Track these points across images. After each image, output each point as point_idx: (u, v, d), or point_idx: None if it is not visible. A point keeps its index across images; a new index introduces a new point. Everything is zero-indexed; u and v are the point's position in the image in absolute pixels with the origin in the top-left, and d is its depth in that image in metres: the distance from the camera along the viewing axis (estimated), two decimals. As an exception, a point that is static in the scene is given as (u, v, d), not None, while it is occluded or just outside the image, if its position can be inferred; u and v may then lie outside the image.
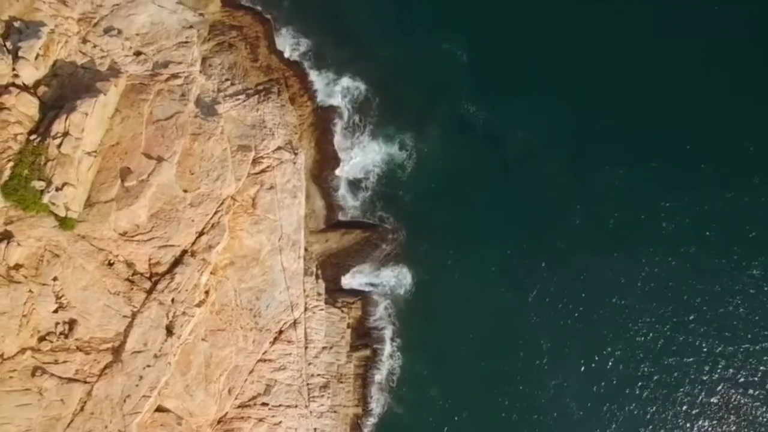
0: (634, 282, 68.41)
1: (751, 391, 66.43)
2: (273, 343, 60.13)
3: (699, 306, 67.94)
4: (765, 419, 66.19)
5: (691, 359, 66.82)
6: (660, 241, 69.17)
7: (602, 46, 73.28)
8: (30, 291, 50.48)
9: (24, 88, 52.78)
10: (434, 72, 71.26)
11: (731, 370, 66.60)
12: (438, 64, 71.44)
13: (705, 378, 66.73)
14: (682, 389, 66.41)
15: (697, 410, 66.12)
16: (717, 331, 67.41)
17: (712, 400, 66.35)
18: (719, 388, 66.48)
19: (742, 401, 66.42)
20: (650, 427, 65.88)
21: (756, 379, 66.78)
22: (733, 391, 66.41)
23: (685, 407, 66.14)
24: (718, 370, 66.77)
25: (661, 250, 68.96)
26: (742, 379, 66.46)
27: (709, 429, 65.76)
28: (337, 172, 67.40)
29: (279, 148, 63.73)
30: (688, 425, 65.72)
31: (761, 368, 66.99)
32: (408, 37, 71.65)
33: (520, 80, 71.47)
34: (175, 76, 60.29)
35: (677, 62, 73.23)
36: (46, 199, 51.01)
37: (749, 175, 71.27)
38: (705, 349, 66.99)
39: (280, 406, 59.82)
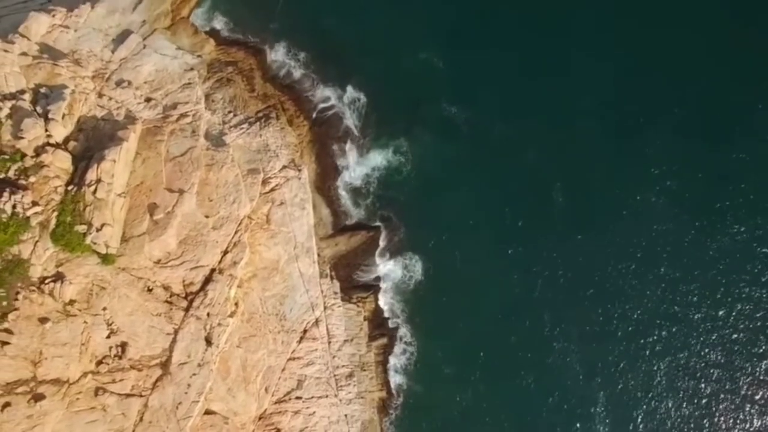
0: (628, 252, 72.64)
1: (749, 349, 70.81)
2: (299, 342, 64.65)
3: (697, 272, 72.31)
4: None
5: (689, 326, 71.25)
6: (649, 212, 73.68)
7: (563, 38, 78.03)
8: (85, 322, 54.95)
9: (57, 145, 56.78)
10: (415, 80, 74.79)
11: (733, 334, 70.84)
12: (418, 73, 75.05)
13: (706, 344, 71.09)
14: (682, 354, 70.85)
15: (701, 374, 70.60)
16: (719, 297, 71.69)
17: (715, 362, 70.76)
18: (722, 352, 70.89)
19: (741, 362, 70.64)
20: (651, 392, 70.38)
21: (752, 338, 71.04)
22: (731, 351, 70.72)
23: (686, 372, 70.52)
24: (723, 336, 71.10)
25: (651, 221, 73.37)
26: (744, 339, 70.64)
27: (712, 393, 70.11)
28: (339, 181, 71.44)
29: (284, 167, 68.01)
30: (690, 390, 70.04)
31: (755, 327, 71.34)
32: (388, 51, 74.99)
33: (492, 79, 75.53)
34: (183, 115, 64.38)
35: (638, 50, 78.00)
36: (88, 240, 55.02)
37: (734, 133, 76.05)
38: (702, 315, 71.33)
39: (312, 397, 64.43)
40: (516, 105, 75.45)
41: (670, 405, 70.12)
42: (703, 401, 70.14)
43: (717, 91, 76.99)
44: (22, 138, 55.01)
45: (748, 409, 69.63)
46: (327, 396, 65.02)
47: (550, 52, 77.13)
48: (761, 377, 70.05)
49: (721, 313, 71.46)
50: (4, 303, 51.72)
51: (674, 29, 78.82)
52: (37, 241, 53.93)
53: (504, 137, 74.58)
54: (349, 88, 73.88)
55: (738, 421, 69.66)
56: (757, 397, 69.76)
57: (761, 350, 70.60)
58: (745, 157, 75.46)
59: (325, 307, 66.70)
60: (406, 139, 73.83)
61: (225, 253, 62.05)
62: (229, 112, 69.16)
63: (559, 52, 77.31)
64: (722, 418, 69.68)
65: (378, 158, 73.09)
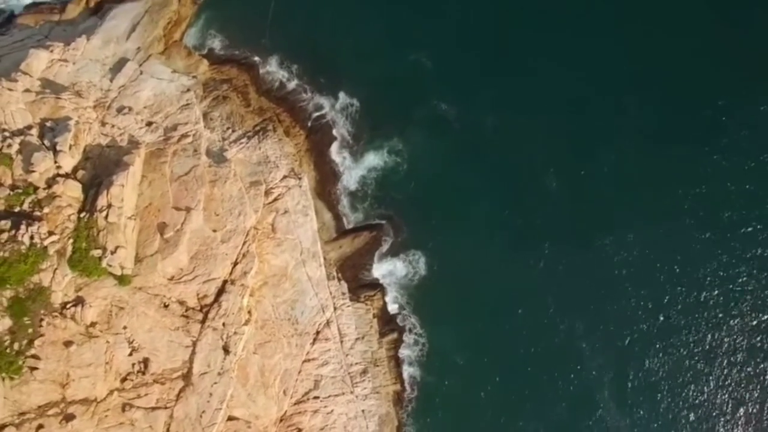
0: (625, 236, 74.75)
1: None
2: (313, 343, 66.87)
3: (696, 255, 74.65)
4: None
5: (692, 307, 73.67)
6: (642, 193, 76.22)
7: (547, 30, 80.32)
8: (107, 342, 57.14)
9: (66, 175, 58.84)
10: (406, 82, 76.88)
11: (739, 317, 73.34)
12: (407, 74, 77.13)
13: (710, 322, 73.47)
14: (684, 335, 73.10)
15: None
16: (719, 282, 74.04)
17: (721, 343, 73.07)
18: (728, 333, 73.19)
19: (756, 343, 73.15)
20: (651, 360, 72.68)
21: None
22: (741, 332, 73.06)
23: (688, 352, 72.89)
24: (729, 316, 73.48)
25: (645, 202, 75.85)
26: (755, 323, 73.11)
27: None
28: (338, 186, 73.49)
29: (285, 176, 70.14)
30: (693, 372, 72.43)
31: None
32: (377, 55, 77.02)
33: (479, 74, 77.90)
34: (184, 135, 66.40)
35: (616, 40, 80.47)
36: (104, 263, 56.95)
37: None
38: (703, 299, 73.68)
39: (329, 396, 66.70)
40: (505, 98, 77.46)
41: (675, 386, 72.67)
42: (713, 385, 72.71)
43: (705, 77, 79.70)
44: (33, 171, 57.29)
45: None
46: (343, 393, 67.22)
47: (534, 45, 79.47)
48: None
49: (725, 297, 74.07)
50: (30, 330, 54.04)
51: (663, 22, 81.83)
52: (55, 269, 56.02)
53: (495, 130, 76.71)
54: (342, 95, 75.66)
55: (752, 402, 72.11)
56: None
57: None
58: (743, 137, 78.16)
59: (334, 308, 68.85)
60: (400, 139, 75.71)
61: (235, 264, 64.15)
62: (228, 128, 71.13)
63: (543, 44, 79.70)
64: (734, 403, 72.21)
65: (374, 160, 74.98)
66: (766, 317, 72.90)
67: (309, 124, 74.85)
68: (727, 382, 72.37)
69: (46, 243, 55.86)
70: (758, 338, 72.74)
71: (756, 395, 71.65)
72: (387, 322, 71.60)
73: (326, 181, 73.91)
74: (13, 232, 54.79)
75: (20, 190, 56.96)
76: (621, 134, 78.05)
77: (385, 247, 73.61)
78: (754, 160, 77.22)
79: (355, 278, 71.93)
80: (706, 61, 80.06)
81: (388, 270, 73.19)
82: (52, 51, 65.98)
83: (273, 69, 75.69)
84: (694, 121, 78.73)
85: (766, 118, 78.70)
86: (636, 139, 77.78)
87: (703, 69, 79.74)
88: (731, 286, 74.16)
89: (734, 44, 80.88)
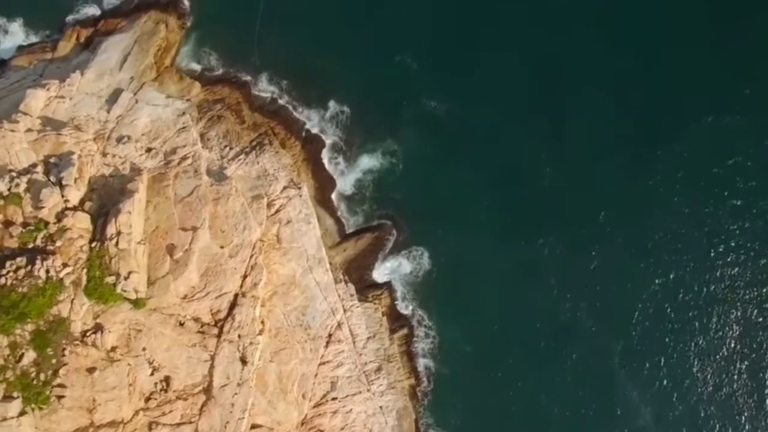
0: (621, 219, 77.28)
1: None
2: (326, 346, 68.86)
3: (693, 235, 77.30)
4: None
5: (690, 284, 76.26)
6: (627, 174, 78.40)
7: (527, 23, 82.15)
8: (128, 364, 58.92)
9: (75, 208, 60.21)
10: (393, 83, 78.35)
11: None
12: (394, 76, 78.61)
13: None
14: (686, 315, 75.82)
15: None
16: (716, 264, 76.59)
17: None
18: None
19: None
20: (657, 331, 75.22)
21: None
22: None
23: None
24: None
25: (630, 182, 78.19)
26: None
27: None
28: (336, 191, 75.40)
29: (285, 187, 71.84)
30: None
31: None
32: (363, 61, 78.43)
33: (465, 70, 79.54)
34: (184, 158, 67.74)
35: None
36: (118, 289, 58.50)
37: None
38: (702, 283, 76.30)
39: (347, 396, 68.79)
40: (491, 90, 79.11)
41: (682, 359, 75.20)
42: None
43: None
44: (43, 207, 58.95)
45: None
46: (360, 392, 69.40)
47: (517, 38, 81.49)
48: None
49: (728, 276, 76.65)
50: (54, 360, 56.07)
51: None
52: (73, 299, 57.83)
53: (485, 122, 78.36)
54: (332, 103, 77.08)
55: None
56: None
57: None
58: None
59: (344, 310, 70.84)
60: (393, 140, 77.33)
61: (244, 277, 65.94)
62: (225, 146, 72.79)
63: (526, 36, 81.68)
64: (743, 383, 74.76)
65: (369, 162, 76.66)
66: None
67: (303, 134, 76.11)
68: (732, 357, 75.22)
69: (61, 275, 57.55)
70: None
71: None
72: (396, 319, 73.60)
73: (325, 187, 75.54)
74: (29, 267, 56.46)
75: (32, 227, 58.63)
76: (611, 119, 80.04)
77: (388, 247, 75.30)
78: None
79: (362, 279, 73.84)
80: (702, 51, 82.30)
81: (393, 268, 75.01)
82: (48, 89, 67.44)
83: (263, 85, 76.85)
84: (687, 106, 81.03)
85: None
86: (629, 123, 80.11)
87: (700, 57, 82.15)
88: (734, 266, 76.95)
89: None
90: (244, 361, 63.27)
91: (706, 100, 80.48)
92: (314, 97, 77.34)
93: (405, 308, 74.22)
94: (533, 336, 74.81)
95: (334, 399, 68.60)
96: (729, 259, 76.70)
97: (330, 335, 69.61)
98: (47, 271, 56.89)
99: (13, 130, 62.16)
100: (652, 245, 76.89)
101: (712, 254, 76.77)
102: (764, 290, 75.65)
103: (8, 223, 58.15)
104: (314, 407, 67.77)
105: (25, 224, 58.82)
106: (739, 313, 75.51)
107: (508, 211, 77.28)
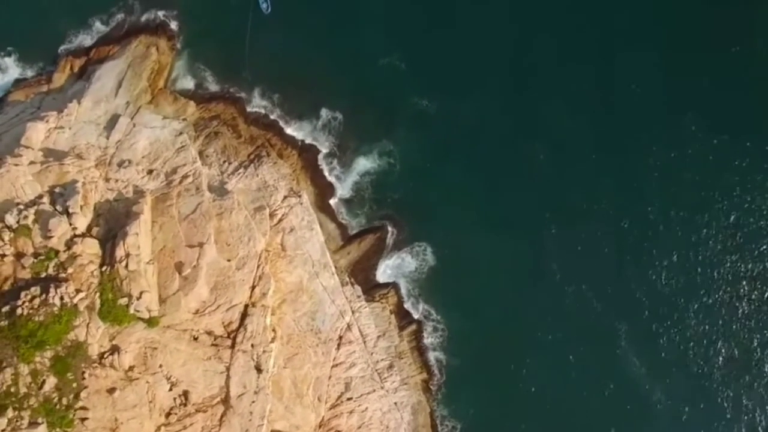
0: (615, 200, 79.21)
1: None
2: (338, 348, 70.51)
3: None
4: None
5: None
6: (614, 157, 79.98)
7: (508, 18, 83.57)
8: (147, 382, 60.24)
9: (83, 234, 61.51)
10: (383, 86, 79.68)
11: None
12: (383, 78, 79.86)
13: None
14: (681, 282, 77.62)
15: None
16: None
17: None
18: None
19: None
20: (661, 307, 77.02)
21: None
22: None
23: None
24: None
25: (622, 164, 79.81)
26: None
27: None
28: (336, 196, 76.99)
29: (285, 197, 73.25)
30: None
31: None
32: (352, 67, 79.50)
33: (451, 66, 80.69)
34: (185, 176, 68.78)
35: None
36: (131, 310, 59.72)
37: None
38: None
39: (361, 395, 70.46)
40: (478, 83, 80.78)
41: (686, 333, 76.86)
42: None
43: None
44: (52, 236, 60.25)
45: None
46: (374, 390, 71.13)
47: (502, 33, 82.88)
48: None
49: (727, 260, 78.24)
50: (74, 384, 57.50)
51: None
52: (88, 323, 59.15)
53: (477, 116, 79.90)
54: (324, 111, 78.41)
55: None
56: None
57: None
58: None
59: (352, 312, 72.52)
60: (388, 140, 78.75)
61: (253, 288, 67.39)
62: (224, 161, 74.11)
63: (510, 31, 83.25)
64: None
65: (366, 164, 78.16)
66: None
67: (299, 143, 77.85)
68: (738, 330, 77.07)
69: (75, 301, 58.85)
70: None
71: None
72: (404, 316, 75.22)
73: (325, 193, 77.05)
74: (43, 296, 57.71)
75: (43, 257, 60.00)
76: (601, 105, 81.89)
77: (391, 246, 76.95)
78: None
79: (368, 280, 75.45)
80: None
81: (397, 266, 76.57)
82: (47, 121, 68.72)
83: (257, 99, 78.37)
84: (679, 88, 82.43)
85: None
86: (619, 107, 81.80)
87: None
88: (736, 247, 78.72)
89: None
90: (258, 369, 64.71)
91: (704, 84, 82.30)
92: (306, 106, 78.58)
93: (412, 305, 75.72)
94: (540, 322, 76.28)
95: (349, 399, 70.23)
96: (731, 241, 78.58)
97: (340, 337, 71.22)
98: (61, 298, 58.11)
99: (16, 164, 63.31)
100: (650, 226, 78.63)
101: (711, 233, 78.47)
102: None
103: (20, 255, 59.49)
104: (330, 409, 69.39)
105: (36, 254, 60.03)
106: (742, 289, 77.60)
107: (506, 201, 78.59)
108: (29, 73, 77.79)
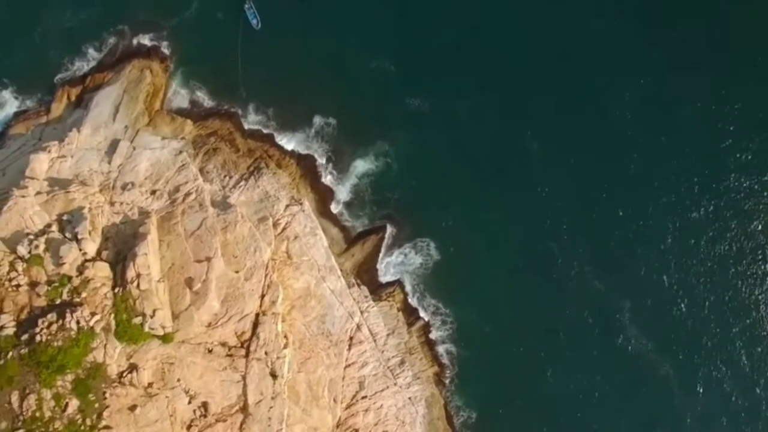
0: (607, 181, 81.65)
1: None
2: (349, 349, 72.25)
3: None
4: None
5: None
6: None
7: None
8: (166, 397, 61.54)
9: (93, 259, 62.62)
10: (374, 89, 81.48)
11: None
12: (374, 81, 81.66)
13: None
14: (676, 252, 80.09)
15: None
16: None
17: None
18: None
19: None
20: (664, 282, 79.23)
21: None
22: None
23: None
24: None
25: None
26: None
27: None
28: (336, 200, 78.67)
29: (287, 205, 74.82)
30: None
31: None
32: (342, 74, 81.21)
33: (439, 65, 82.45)
34: (187, 194, 70.32)
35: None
36: (146, 328, 60.97)
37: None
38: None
39: (375, 393, 72.27)
40: (467, 80, 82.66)
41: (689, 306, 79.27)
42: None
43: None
44: (63, 263, 61.60)
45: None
46: (388, 387, 73.05)
47: (485, 30, 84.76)
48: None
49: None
50: (97, 405, 58.78)
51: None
52: (105, 344, 60.49)
53: (468, 111, 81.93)
54: (318, 118, 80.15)
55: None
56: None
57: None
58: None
59: (361, 312, 74.37)
60: (384, 141, 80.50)
61: (262, 296, 68.81)
62: (225, 176, 75.72)
63: (493, 26, 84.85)
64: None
65: (363, 166, 79.95)
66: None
67: (296, 152, 79.38)
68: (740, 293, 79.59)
69: (91, 323, 60.17)
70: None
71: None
72: (412, 312, 77.16)
73: (325, 199, 78.81)
74: (60, 321, 59.05)
75: (56, 283, 61.33)
76: (589, 89, 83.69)
77: (394, 244, 78.88)
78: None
79: (373, 280, 77.38)
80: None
81: (401, 263, 78.44)
82: (49, 151, 69.96)
83: (252, 113, 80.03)
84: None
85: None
86: (608, 98, 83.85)
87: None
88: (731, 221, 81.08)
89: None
90: (274, 375, 66.21)
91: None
92: (301, 115, 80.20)
93: (418, 300, 77.57)
94: (545, 306, 78.47)
95: (364, 398, 72.05)
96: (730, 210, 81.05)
97: (351, 338, 73.00)
98: (78, 322, 59.44)
99: (23, 196, 64.44)
100: (645, 205, 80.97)
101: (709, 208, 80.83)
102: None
103: (34, 284, 60.77)
104: (346, 408, 71.22)
105: (49, 282, 61.31)
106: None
107: (504, 191, 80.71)
108: (28, 104, 78.78)
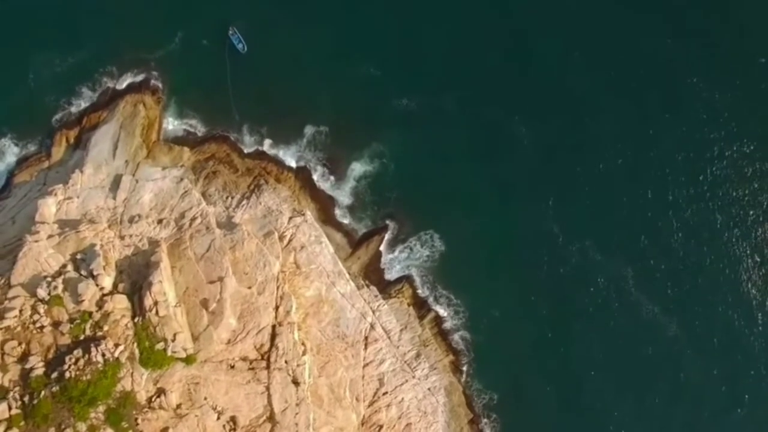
0: (598, 159, 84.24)
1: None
2: (365, 348, 74.58)
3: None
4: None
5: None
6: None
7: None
8: (196, 415, 63.62)
9: (110, 292, 64.34)
10: (363, 93, 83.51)
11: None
12: (361, 86, 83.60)
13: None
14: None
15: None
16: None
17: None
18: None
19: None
20: (664, 246, 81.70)
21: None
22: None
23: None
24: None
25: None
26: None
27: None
28: (337, 206, 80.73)
29: (290, 218, 76.65)
30: None
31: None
32: (329, 83, 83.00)
33: (423, 64, 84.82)
34: (193, 219, 72.06)
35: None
36: (169, 352, 62.74)
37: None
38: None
39: (395, 388, 74.51)
40: (449, 74, 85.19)
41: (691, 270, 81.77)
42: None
43: None
44: (83, 300, 63.56)
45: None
46: (407, 381, 75.28)
47: (465, 28, 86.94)
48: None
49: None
50: (131, 431, 61.77)
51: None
52: (132, 373, 62.47)
53: (453, 102, 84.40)
54: (310, 128, 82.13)
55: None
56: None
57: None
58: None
59: (373, 312, 76.57)
60: (377, 142, 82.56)
61: (276, 308, 71.04)
62: (227, 197, 77.71)
63: (474, 25, 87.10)
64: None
65: (360, 169, 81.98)
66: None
67: (293, 165, 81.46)
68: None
69: (116, 354, 62.11)
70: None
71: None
72: (422, 305, 79.58)
73: (326, 206, 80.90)
74: (86, 356, 61.03)
75: (78, 320, 63.37)
76: (574, 70, 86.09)
77: (398, 241, 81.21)
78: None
79: (382, 279, 79.70)
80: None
81: (407, 257, 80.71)
82: (55, 194, 71.70)
83: (246, 133, 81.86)
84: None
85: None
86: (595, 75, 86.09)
87: None
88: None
89: None
90: (296, 382, 68.45)
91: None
92: (294, 128, 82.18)
93: (427, 293, 79.92)
94: (552, 283, 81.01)
95: (385, 394, 74.32)
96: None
97: (366, 338, 75.24)
98: (103, 355, 61.34)
99: (36, 241, 66.21)
100: (638, 174, 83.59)
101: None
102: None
103: (57, 323, 62.76)
104: (369, 406, 73.50)
105: (71, 320, 63.29)
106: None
107: (498, 176, 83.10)
108: (30, 148, 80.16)
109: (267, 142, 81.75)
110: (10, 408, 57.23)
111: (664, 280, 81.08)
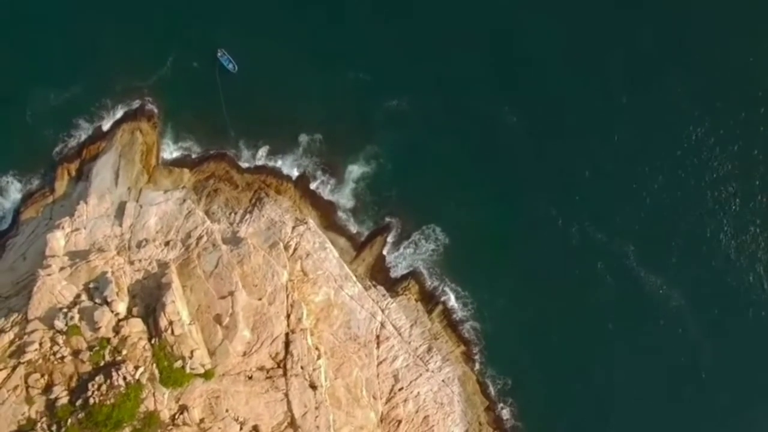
0: (590, 142, 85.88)
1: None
2: (378, 347, 76.35)
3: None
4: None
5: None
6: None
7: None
8: (219, 428, 65.43)
9: (126, 317, 66.76)
10: (354, 98, 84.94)
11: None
12: (351, 91, 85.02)
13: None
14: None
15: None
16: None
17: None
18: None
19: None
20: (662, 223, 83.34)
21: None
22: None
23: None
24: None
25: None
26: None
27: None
28: (337, 211, 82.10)
29: (294, 227, 78.31)
30: None
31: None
32: (320, 91, 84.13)
33: (412, 63, 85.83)
34: (199, 238, 73.79)
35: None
36: (187, 369, 65.02)
37: None
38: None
39: (410, 383, 76.32)
40: (437, 72, 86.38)
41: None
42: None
43: None
44: (100, 328, 65.52)
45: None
46: (421, 375, 77.12)
47: (449, 29, 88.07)
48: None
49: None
50: None
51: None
52: (154, 393, 64.33)
53: (444, 99, 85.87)
54: (304, 137, 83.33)
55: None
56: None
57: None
58: None
59: (382, 311, 78.32)
60: (372, 144, 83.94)
61: (288, 316, 72.75)
62: (230, 213, 79.03)
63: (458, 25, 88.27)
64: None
65: (358, 171, 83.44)
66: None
67: (292, 174, 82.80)
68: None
69: (137, 376, 64.12)
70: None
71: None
72: (430, 299, 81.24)
73: (327, 212, 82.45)
74: (108, 381, 63.10)
75: (97, 347, 65.43)
76: (564, 60, 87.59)
77: (402, 238, 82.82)
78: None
79: (388, 278, 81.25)
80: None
81: (413, 253, 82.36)
82: (63, 228, 73.09)
83: (243, 149, 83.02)
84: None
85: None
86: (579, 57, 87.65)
87: None
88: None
89: None
90: (313, 386, 70.40)
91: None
92: (289, 140, 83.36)
93: (433, 287, 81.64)
94: (555, 267, 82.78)
95: (401, 389, 76.16)
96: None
97: (377, 336, 77.06)
98: (124, 378, 63.33)
99: (49, 274, 68.02)
100: (632, 153, 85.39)
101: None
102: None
103: (77, 352, 64.82)
104: (386, 403, 75.40)
105: (90, 347, 65.33)
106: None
107: (493, 166, 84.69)
108: (33, 183, 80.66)
109: (264, 154, 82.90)
110: (39, 439, 57.93)
111: (666, 254, 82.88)
